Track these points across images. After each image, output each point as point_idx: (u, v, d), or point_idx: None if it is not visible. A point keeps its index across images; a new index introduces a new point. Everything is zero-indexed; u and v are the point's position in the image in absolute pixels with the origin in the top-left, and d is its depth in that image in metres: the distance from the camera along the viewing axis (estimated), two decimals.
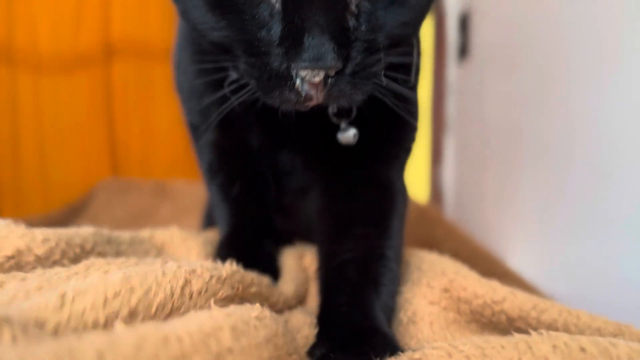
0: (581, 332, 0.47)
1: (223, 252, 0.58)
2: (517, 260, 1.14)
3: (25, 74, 1.55)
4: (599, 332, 0.47)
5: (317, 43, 0.41)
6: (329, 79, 0.43)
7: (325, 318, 0.51)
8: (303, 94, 0.43)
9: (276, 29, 0.43)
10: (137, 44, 1.64)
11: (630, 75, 0.84)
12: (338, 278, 0.54)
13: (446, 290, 0.56)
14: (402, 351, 0.43)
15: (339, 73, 0.43)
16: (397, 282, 0.57)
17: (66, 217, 1.39)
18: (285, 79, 0.43)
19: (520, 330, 0.45)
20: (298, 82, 0.43)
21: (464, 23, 1.49)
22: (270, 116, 0.53)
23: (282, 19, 0.43)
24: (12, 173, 1.55)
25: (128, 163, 1.70)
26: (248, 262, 0.51)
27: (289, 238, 0.70)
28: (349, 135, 0.57)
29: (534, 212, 1.13)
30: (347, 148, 0.58)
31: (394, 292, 0.56)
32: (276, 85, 0.44)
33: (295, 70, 0.42)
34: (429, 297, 0.56)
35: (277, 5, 0.43)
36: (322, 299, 0.54)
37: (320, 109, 0.51)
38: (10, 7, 1.54)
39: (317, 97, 0.44)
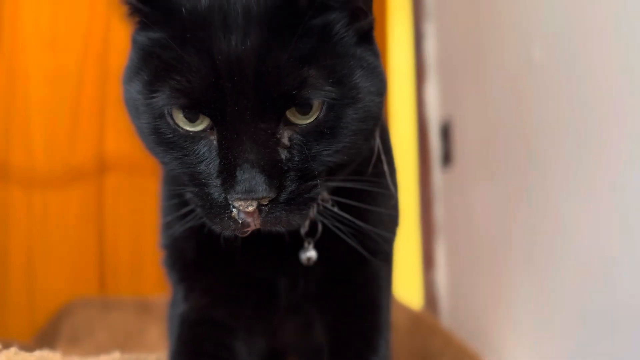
0: None
1: None
2: None
3: (18, 189, 1.57)
4: None
5: (248, 177, 0.45)
6: (264, 207, 0.47)
7: None
8: (240, 221, 0.47)
9: (214, 164, 0.48)
10: (129, 159, 1.68)
11: (616, 175, 0.86)
12: None
13: None
14: None
15: (273, 201, 0.47)
16: None
17: (43, 341, 1.32)
18: (224, 208, 0.48)
19: None
20: (235, 211, 0.47)
21: (446, 132, 1.55)
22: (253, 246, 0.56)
23: (218, 155, 0.47)
24: None
25: (117, 276, 1.67)
26: None
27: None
28: (308, 255, 0.60)
29: (529, 317, 1.11)
30: (331, 266, 0.60)
31: None
32: (217, 214, 0.48)
33: (231, 201, 0.47)
34: None
35: (215, 142, 0.48)
36: None
37: (292, 230, 0.54)
38: (7, 125, 1.59)
39: (254, 224, 0.48)
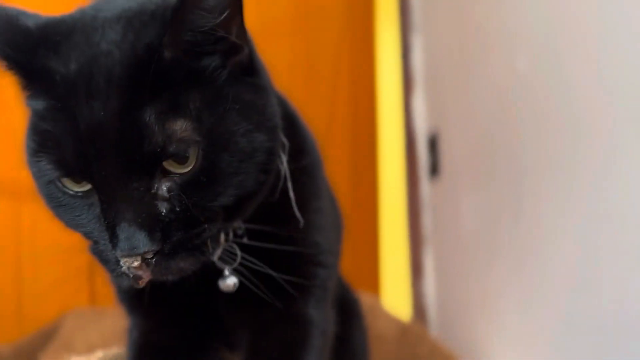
0: None
1: None
2: None
3: (5, 201, 1.57)
4: None
5: (128, 234, 0.46)
6: (151, 260, 0.48)
7: None
8: (131, 275, 0.49)
9: (101, 222, 0.48)
10: None
11: (600, 182, 0.88)
12: None
13: None
14: None
15: (159, 253, 0.48)
16: None
17: (37, 344, 1.33)
18: (116, 264, 0.49)
19: None
20: (124, 267, 0.48)
21: (433, 143, 1.57)
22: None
23: (102, 214, 0.48)
24: None
25: (107, 288, 1.66)
26: None
27: None
28: (228, 283, 0.60)
29: (517, 326, 1.12)
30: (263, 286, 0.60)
31: None
32: (112, 269, 0.50)
33: (118, 258, 0.48)
34: None
35: (99, 202, 0.48)
36: None
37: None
38: None
39: (146, 275, 0.49)
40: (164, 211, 0.48)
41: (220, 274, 0.61)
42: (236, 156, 0.49)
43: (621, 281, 0.82)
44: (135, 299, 0.66)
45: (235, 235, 0.60)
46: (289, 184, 0.61)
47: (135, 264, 0.47)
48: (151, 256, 0.47)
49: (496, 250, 1.20)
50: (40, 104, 0.49)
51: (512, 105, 1.14)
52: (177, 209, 0.48)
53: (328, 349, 0.67)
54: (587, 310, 0.89)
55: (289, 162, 0.60)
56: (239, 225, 0.59)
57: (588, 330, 0.89)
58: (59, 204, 0.51)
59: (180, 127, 0.47)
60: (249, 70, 0.53)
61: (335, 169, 1.67)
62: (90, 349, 1.12)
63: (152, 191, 0.47)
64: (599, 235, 0.87)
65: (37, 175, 0.51)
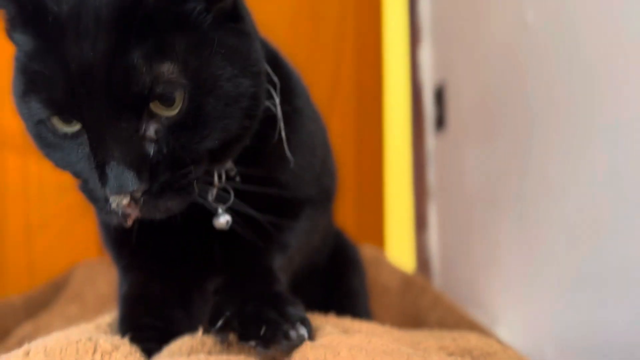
0: None
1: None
2: (506, 327, 1.14)
3: (13, 155, 1.58)
4: None
5: (116, 173, 0.48)
6: (140, 198, 0.49)
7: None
8: (119, 213, 0.50)
9: (90, 161, 0.50)
10: None
11: (609, 138, 0.87)
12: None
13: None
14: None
15: (147, 192, 0.49)
16: None
17: (48, 295, 1.37)
18: (105, 201, 0.50)
19: None
20: (113, 205, 0.49)
21: (440, 95, 1.55)
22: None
23: (92, 153, 0.50)
24: None
25: None
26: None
27: None
28: (221, 221, 0.62)
29: (519, 278, 1.13)
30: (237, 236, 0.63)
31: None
32: (101, 207, 0.52)
33: (107, 196, 0.49)
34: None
35: (88, 142, 0.50)
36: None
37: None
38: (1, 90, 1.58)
39: (134, 213, 0.51)
40: (152, 152, 0.50)
41: (206, 218, 0.62)
42: (221, 100, 0.51)
43: (627, 235, 0.82)
44: (123, 244, 0.67)
45: (228, 177, 0.62)
46: (281, 124, 0.62)
47: (124, 202, 0.49)
48: (139, 195, 0.49)
49: (501, 204, 1.21)
50: (29, 44, 0.49)
51: (521, 57, 1.12)
52: (164, 150, 0.50)
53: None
54: (591, 264, 0.90)
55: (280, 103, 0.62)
56: (231, 167, 0.61)
57: (591, 285, 0.90)
58: (48, 144, 0.52)
59: (167, 69, 0.48)
60: (234, 16, 0.54)
61: (340, 121, 1.67)
62: (100, 300, 1.15)
63: (140, 132, 0.49)
64: (606, 189, 0.87)
65: (27, 115, 0.52)
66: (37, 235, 1.60)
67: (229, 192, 0.61)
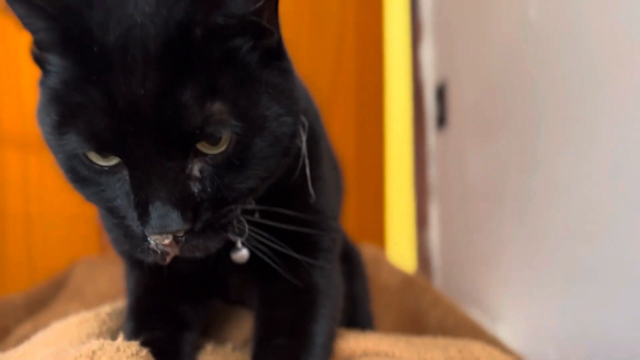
0: None
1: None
2: (507, 325, 1.13)
3: (13, 152, 1.58)
4: None
5: (161, 213, 0.47)
6: (180, 238, 0.49)
7: None
8: (159, 252, 0.49)
9: (130, 198, 0.48)
10: None
11: (610, 134, 0.87)
12: None
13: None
14: None
15: (189, 232, 0.49)
16: None
17: (48, 293, 1.36)
18: (143, 240, 0.49)
19: None
20: (153, 243, 0.49)
21: (441, 93, 1.55)
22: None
23: (132, 191, 0.48)
24: None
25: None
26: None
27: None
28: (240, 255, 0.62)
29: (520, 276, 1.13)
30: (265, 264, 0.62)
31: None
32: (137, 244, 0.50)
33: (147, 234, 0.48)
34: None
35: (129, 179, 0.48)
36: None
37: None
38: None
39: (173, 252, 0.50)
40: (196, 191, 0.49)
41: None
42: (267, 140, 0.50)
43: (628, 231, 0.82)
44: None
45: (243, 211, 0.60)
46: (307, 161, 0.62)
47: (166, 241, 0.48)
48: (182, 234, 0.48)
49: (501, 200, 1.20)
50: (69, 71, 0.47)
51: (524, 55, 1.11)
52: (208, 190, 0.49)
53: (340, 310, 0.69)
54: (591, 262, 0.90)
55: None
56: (249, 201, 0.59)
57: (592, 282, 0.90)
58: (82, 178, 0.50)
59: (218, 109, 0.47)
60: (278, 54, 0.53)
61: (341, 118, 1.66)
62: (100, 297, 1.15)
63: (186, 171, 0.48)
64: (607, 185, 0.86)
65: (59, 148, 0.49)
66: (37, 232, 1.60)
67: (244, 225, 0.59)
